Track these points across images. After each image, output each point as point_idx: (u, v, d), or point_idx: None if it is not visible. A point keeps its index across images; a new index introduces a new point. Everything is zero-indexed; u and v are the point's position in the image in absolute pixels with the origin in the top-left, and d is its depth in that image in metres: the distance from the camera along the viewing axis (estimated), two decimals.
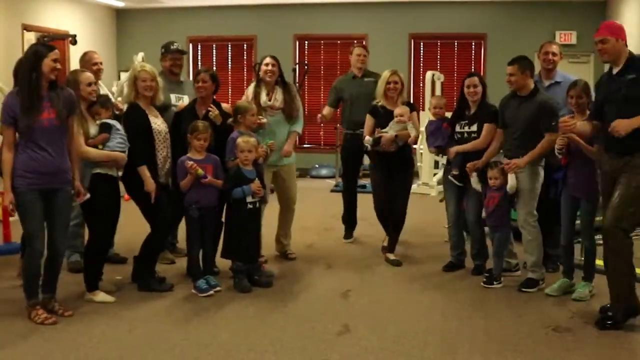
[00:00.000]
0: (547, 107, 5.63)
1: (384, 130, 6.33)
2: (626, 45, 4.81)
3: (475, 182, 5.93)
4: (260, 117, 6.13)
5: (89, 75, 5.38)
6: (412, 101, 13.47)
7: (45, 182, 4.70)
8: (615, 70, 4.84)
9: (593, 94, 5.37)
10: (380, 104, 6.48)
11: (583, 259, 5.58)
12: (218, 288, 5.61)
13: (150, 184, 5.40)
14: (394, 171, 6.45)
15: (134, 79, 5.56)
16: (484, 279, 5.86)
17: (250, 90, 6.46)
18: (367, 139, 6.41)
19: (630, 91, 4.67)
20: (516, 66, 5.69)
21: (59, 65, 4.70)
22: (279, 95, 6.42)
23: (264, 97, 6.35)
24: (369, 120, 6.50)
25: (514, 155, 5.69)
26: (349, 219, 7.59)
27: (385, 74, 6.45)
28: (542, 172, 5.69)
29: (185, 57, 13.64)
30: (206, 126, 5.61)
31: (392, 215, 6.57)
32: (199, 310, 5.17)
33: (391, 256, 6.57)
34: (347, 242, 7.48)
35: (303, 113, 6.76)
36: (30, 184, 4.64)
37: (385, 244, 6.64)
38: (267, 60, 6.41)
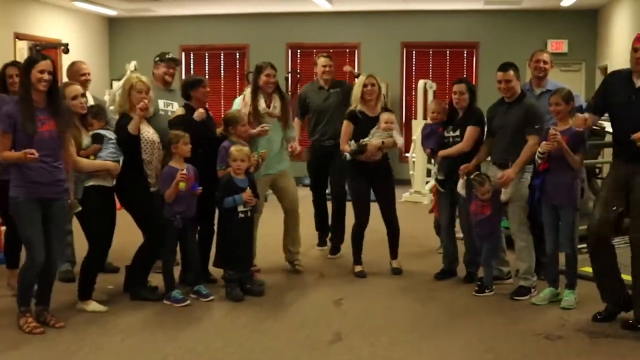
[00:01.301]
0: (533, 111, 5.64)
1: (365, 138, 6.19)
2: None
3: (460, 187, 5.94)
4: (264, 125, 6.14)
5: (75, 89, 5.32)
6: (404, 109, 13.62)
7: (43, 192, 4.69)
8: (637, 82, 4.81)
9: (580, 99, 5.38)
10: (358, 109, 6.30)
11: (565, 267, 5.52)
12: (210, 297, 5.61)
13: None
14: (376, 181, 6.37)
15: (130, 88, 5.50)
16: (476, 287, 5.86)
17: (247, 97, 6.35)
18: (352, 143, 6.20)
19: None
20: (511, 72, 5.70)
21: (46, 76, 4.61)
22: (277, 103, 6.36)
23: (262, 104, 6.27)
24: (347, 127, 6.30)
25: (503, 161, 5.71)
26: (323, 227, 7.53)
27: (361, 78, 6.37)
28: (529, 178, 5.63)
29: (178, 66, 13.73)
30: (184, 132, 5.61)
31: (387, 226, 6.49)
32: (191, 320, 5.16)
33: (394, 263, 6.53)
34: (321, 249, 7.47)
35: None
36: (29, 193, 4.63)
37: (357, 270, 6.47)
38: (269, 71, 6.30)
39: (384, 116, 6.28)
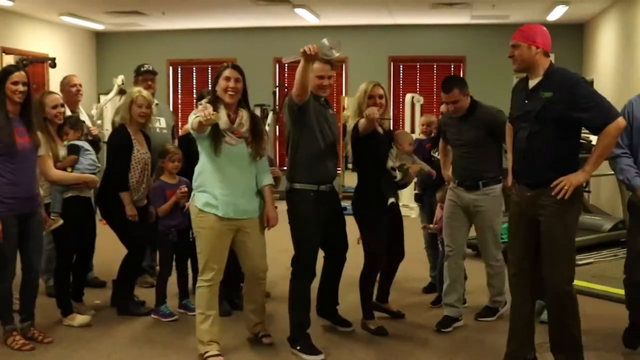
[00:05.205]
0: (496, 119, 5.12)
1: (389, 162, 5.06)
2: (547, 55, 4.19)
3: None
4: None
5: (55, 97, 5.33)
6: (391, 123, 13.59)
7: (22, 207, 4.65)
8: (531, 84, 4.14)
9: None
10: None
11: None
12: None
13: (131, 209, 5.36)
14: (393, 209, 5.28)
15: (131, 102, 5.49)
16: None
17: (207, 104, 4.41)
18: (398, 172, 5.02)
19: (544, 112, 3.98)
20: (456, 91, 5.11)
21: (21, 88, 4.57)
22: (244, 120, 4.60)
23: (223, 117, 4.45)
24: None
25: (472, 182, 5.24)
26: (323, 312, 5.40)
27: (367, 86, 5.04)
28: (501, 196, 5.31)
29: (165, 81, 13.75)
30: (177, 148, 5.60)
31: (395, 256, 5.55)
32: (178, 334, 5.14)
33: (394, 306, 5.66)
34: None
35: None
36: (9, 209, 4.57)
37: (373, 327, 5.27)
38: (228, 72, 4.53)
39: (408, 137, 5.35)
